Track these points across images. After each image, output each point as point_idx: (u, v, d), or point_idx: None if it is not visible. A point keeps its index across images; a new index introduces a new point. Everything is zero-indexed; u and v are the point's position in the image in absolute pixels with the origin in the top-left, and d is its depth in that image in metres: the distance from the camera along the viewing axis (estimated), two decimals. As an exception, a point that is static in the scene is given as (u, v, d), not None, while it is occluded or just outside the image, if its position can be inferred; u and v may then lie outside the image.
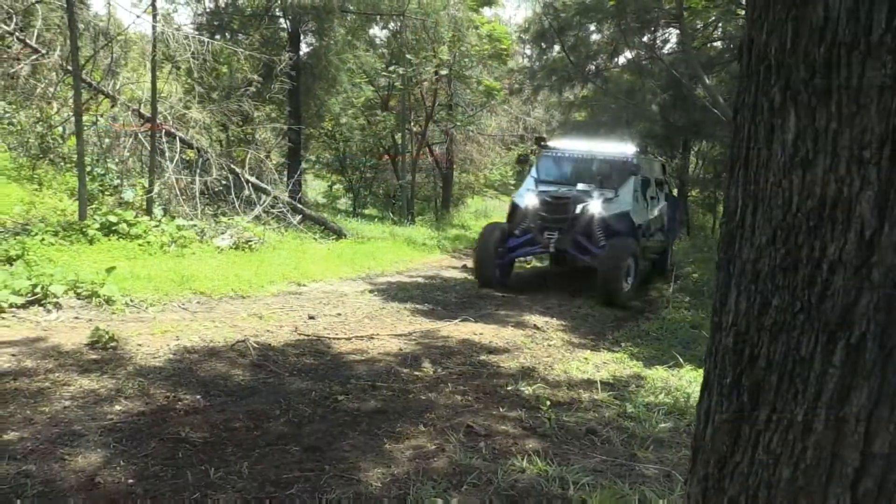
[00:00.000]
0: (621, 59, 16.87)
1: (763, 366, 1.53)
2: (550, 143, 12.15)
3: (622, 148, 11.71)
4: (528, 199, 10.67)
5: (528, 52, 21.31)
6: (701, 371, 6.01)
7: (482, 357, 6.55)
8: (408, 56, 18.89)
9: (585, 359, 6.81)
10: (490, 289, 10.38)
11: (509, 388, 5.57)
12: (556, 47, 16.73)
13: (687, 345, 7.59)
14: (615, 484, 3.81)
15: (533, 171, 11.75)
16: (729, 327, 1.61)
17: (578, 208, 10.30)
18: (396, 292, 9.75)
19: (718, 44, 15.89)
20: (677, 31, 15.29)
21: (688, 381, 6.01)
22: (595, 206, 10.33)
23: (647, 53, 15.83)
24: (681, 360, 6.73)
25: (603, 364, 6.63)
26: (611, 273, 9.58)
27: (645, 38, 15.87)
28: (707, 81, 11.77)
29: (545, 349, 7.14)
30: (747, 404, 1.56)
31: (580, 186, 10.81)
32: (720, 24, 15.31)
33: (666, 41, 16.88)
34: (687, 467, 3.54)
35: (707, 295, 10.75)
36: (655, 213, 12.03)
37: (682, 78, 13.82)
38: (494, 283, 10.49)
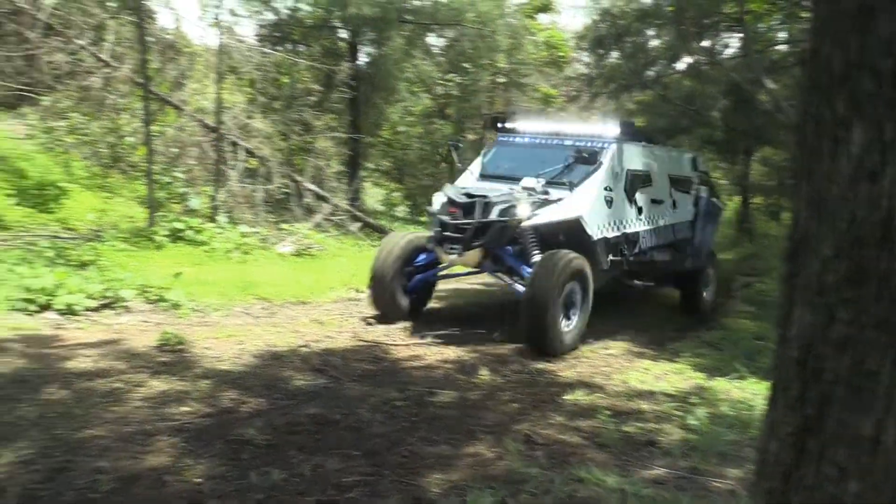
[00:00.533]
0: (680, 65, 16.68)
1: (829, 379, 1.52)
2: (510, 125, 9.16)
3: (601, 130, 8.58)
4: (439, 200, 7.82)
5: (585, 58, 21.19)
6: (765, 384, 5.90)
7: (539, 365, 6.54)
8: (464, 64, 18.98)
9: (645, 369, 6.74)
10: (393, 322, 7.73)
11: (567, 397, 5.55)
12: (615, 53, 16.62)
13: (751, 356, 7.44)
14: (676, 496, 3.77)
15: (476, 163, 8.90)
16: (794, 339, 1.60)
17: (494, 212, 7.28)
18: (454, 298, 9.80)
19: (783, 47, 15.57)
20: (739, 35, 15.04)
21: (751, 393, 5.90)
22: (522, 210, 7.37)
23: (707, 58, 15.60)
24: (744, 371, 6.61)
25: (663, 374, 6.56)
26: (533, 304, 6.71)
27: (705, 43, 15.65)
28: (770, 86, 11.53)
29: (603, 358, 7.09)
30: (813, 417, 1.55)
31: (524, 182, 7.91)
32: (784, 27, 14.99)
33: (726, 46, 16.63)
34: (750, 481, 3.50)
35: (771, 305, 10.46)
36: (662, 221, 9.06)
37: (743, 83, 13.58)
38: (398, 313, 7.78)
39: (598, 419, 5.01)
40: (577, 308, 7.19)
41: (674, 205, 9.40)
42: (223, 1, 16.73)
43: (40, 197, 10.98)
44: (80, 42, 12.65)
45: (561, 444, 4.55)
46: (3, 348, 5.63)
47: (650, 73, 16.39)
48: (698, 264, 9.94)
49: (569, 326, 7.09)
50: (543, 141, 8.67)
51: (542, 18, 23.28)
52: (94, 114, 12.91)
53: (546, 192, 7.70)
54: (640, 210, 8.63)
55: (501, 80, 20.62)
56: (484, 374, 6.10)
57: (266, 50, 13.94)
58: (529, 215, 7.40)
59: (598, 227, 7.82)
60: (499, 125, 9.24)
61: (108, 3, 13.42)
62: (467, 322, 8.12)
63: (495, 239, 7.31)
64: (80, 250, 8.71)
